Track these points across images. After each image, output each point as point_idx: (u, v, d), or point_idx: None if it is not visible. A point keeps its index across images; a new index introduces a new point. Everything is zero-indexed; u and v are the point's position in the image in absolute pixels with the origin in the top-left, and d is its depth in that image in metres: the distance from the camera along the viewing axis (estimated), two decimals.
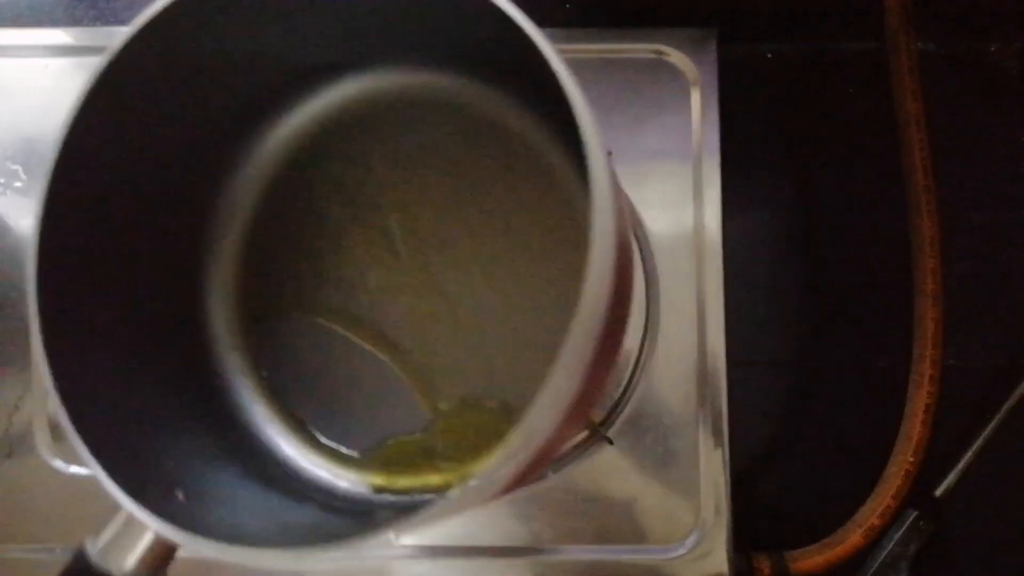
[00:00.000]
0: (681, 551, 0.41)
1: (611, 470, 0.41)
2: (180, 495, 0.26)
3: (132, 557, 0.25)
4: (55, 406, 0.25)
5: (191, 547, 0.23)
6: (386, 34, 0.33)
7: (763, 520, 0.44)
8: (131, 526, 0.25)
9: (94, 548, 0.25)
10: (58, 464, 0.42)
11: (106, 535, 0.25)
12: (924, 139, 0.44)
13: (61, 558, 0.40)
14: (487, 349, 0.35)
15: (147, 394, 0.31)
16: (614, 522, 0.41)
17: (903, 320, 0.44)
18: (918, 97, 0.44)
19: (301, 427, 0.35)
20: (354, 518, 0.33)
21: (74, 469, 0.42)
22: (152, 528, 0.23)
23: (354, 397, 0.36)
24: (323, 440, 0.35)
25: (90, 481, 0.39)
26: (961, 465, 0.44)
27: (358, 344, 0.36)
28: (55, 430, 0.42)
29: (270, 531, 0.28)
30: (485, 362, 0.35)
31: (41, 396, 0.42)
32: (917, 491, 0.42)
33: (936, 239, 0.43)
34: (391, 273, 0.36)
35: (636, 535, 0.41)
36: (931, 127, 0.44)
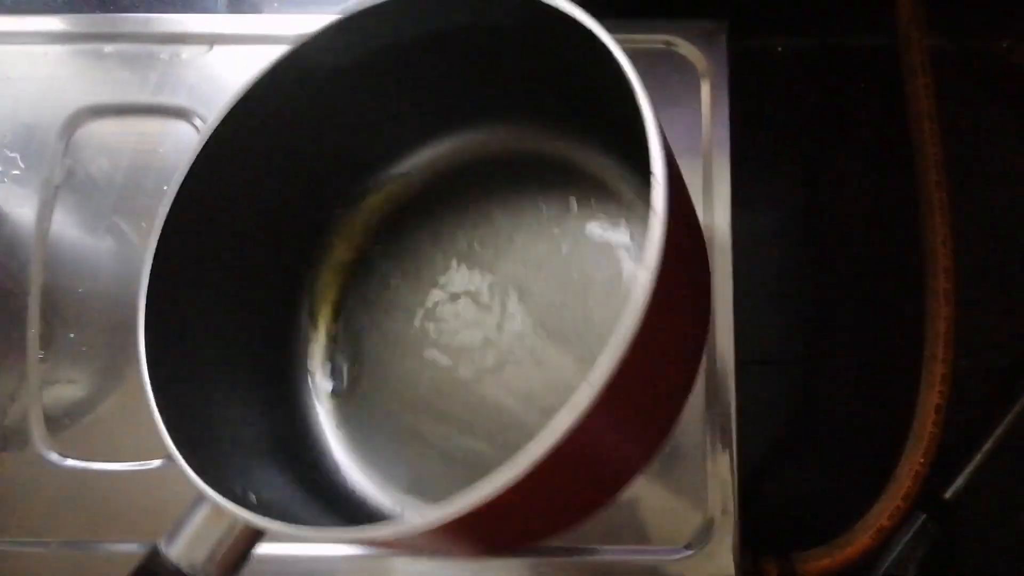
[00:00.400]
0: (687, 552, 0.40)
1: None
2: (253, 498, 0.27)
3: (209, 554, 0.26)
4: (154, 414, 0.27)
5: (276, 533, 0.24)
6: (489, 95, 0.35)
7: (771, 521, 0.43)
8: (207, 525, 0.26)
9: (168, 547, 0.26)
10: (53, 457, 0.42)
11: (181, 534, 0.26)
12: (937, 135, 0.43)
13: (56, 552, 0.40)
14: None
15: (234, 409, 0.33)
16: (619, 522, 0.40)
17: (914, 319, 0.43)
18: (930, 93, 0.44)
19: (374, 468, 0.37)
20: None
21: (69, 462, 0.41)
22: (240, 519, 0.24)
23: (430, 448, 0.36)
24: (389, 487, 0.36)
25: (85, 475, 0.40)
26: (971, 467, 0.43)
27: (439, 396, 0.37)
28: (50, 422, 0.42)
29: None
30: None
31: (36, 388, 0.42)
32: (926, 493, 0.41)
33: (949, 237, 0.42)
34: (478, 328, 0.37)
35: (641, 535, 0.40)
36: (943, 124, 0.44)
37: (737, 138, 0.43)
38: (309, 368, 0.39)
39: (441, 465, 0.36)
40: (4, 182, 0.44)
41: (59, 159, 0.44)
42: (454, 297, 0.38)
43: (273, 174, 0.34)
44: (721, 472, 0.41)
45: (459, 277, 0.38)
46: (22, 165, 0.44)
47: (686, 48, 0.44)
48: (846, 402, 0.46)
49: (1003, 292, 0.46)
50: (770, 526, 0.43)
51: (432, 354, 0.38)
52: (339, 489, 0.36)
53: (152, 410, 0.27)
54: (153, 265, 0.29)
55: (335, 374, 0.39)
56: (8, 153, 0.44)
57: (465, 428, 0.36)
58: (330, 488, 0.36)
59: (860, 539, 0.41)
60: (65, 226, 0.44)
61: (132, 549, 0.41)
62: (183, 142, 0.44)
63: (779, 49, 0.49)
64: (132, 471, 0.41)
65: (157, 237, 0.29)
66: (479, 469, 0.31)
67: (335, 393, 0.39)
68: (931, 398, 0.41)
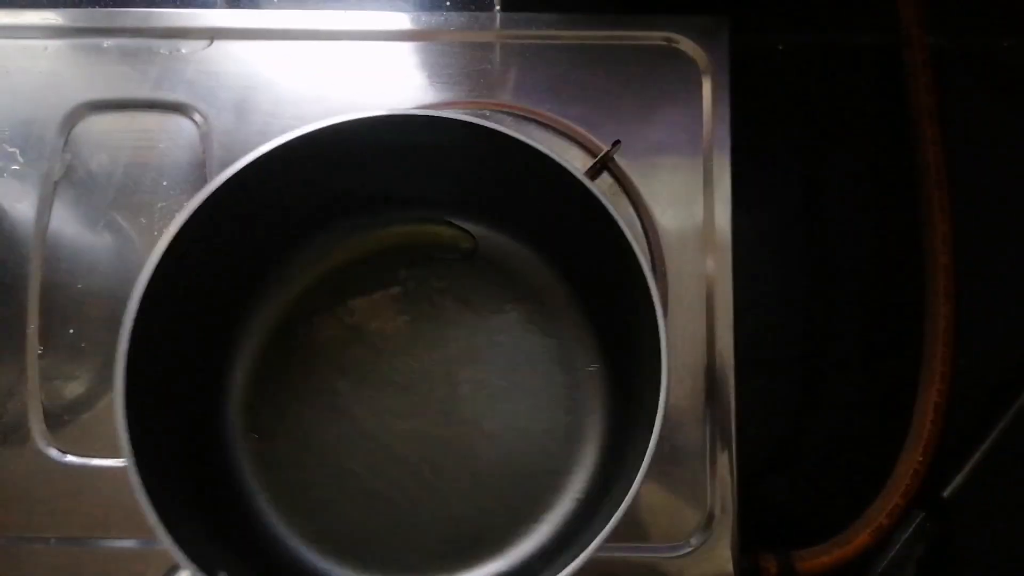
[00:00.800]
0: (686, 550, 0.40)
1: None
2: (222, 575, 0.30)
3: None
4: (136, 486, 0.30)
5: None
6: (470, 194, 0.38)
7: (770, 519, 0.43)
8: None
9: None
10: (53, 453, 0.41)
11: None
12: (938, 134, 0.43)
13: (55, 548, 0.40)
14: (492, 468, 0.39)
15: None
16: (621, 520, 0.40)
17: (914, 317, 0.43)
18: (932, 91, 0.44)
19: (317, 539, 0.39)
20: None
21: (69, 458, 0.41)
22: None
23: (365, 515, 0.39)
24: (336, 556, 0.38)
25: (85, 471, 0.40)
26: (969, 466, 0.43)
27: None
28: (50, 418, 0.42)
29: None
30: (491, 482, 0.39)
31: (36, 384, 0.42)
32: (924, 492, 0.41)
33: (949, 236, 0.42)
34: (404, 399, 0.40)
35: (641, 533, 0.40)
36: (944, 122, 0.44)
37: (738, 136, 0.43)
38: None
39: (359, 513, 0.39)
40: (3, 177, 0.44)
41: (58, 154, 0.44)
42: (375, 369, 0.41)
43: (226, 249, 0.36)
44: (720, 470, 0.41)
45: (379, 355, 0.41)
46: (21, 160, 0.44)
47: (687, 45, 0.44)
48: (845, 400, 0.46)
49: (1002, 291, 0.46)
50: (769, 524, 0.43)
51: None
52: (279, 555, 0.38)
53: (139, 491, 0.30)
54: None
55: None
56: (7, 148, 0.44)
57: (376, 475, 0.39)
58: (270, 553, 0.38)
59: (859, 537, 0.41)
60: (64, 221, 0.43)
61: (131, 546, 0.41)
62: (182, 137, 0.44)
63: (780, 47, 0.48)
64: None
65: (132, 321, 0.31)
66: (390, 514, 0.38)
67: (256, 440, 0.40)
68: (930, 396, 0.41)
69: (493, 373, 0.40)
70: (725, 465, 0.41)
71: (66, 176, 0.44)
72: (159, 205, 0.43)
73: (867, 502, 0.42)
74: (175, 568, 0.30)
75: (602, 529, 0.29)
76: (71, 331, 0.42)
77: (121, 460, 0.40)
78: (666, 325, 0.31)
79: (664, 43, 0.44)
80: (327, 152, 0.34)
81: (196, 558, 0.29)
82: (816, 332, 0.46)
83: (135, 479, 0.30)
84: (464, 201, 0.40)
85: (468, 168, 0.37)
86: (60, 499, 0.41)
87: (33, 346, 0.42)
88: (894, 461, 0.42)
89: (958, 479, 0.43)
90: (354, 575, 0.38)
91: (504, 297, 0.41)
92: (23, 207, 0.43)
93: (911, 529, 0.42)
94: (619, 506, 0.30)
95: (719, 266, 0.42)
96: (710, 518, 0.40)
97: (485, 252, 0.41)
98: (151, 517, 0.29)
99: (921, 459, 0.41)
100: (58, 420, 0.42)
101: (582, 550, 0.30)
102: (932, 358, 0.42)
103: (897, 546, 0.42)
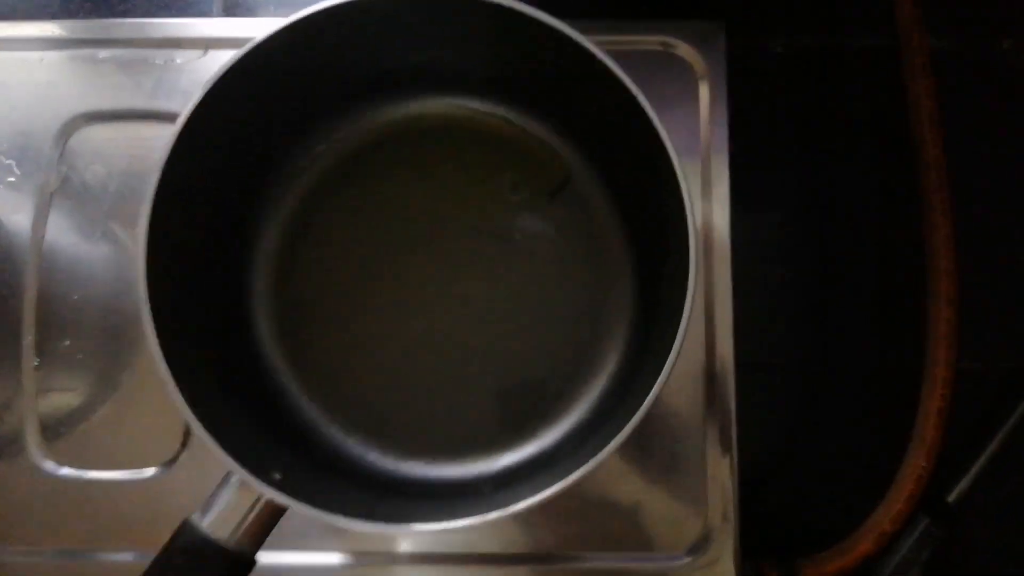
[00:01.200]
0: (687, 559, 0.40)
1: (615, 475, 0.40)
2: (277, 476, 0.30)
3: (237, 526, 0.29)
4: (181, 407, 0.29)
5: (298, 511, 0.28)
6: (485, 68, 0.37)
7: (772, 527, 0.43)
8: (236, 500, 0.29)
9: (201, 520, 0.29)
10: (49, 466, 0.41)
11: (213, 508, 0.29)
12: (938, 137, 0.43)
13: (51, 561, 0.40)
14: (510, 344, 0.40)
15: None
16: (618, 528, 0.40)
17: (916, 322, 0.43)
18: (932, 95, 0.43)
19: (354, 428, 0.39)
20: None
21: (65, 471, 0.41)
22: (264, 497, 0.28)
23: (395, 395, 0.40)
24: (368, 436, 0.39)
25: (81, 483, 0.40)
26: (974, 470, 0.43)
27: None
28: (46, 431, 0.41)
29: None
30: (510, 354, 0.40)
31: (32, 396, 0.42)
32: (928, 497, 0.41)
33: (951, 239, 0.42)
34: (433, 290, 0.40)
35: (641, 542, 0.40)
36: (944, 125, 0.43)
37: (735, 140, 0.43)
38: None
39: (394, 397, 0.39)
40: None
41: (54, 165, 0.44)
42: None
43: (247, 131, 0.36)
44: (721, 477, 0.40)
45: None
46: (17, 172, 0.44)
47: (684, 49, 0.44)
48: (847, 405, 0.45)
49: (1005, 294, 0.46)
50: (771, 532, 0.42)
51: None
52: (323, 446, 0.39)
53: (174, 393, 0.29)
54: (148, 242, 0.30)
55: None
56: (3, 160, 0.44)
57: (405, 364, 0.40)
58: (320, 448, 0.38)
59: (862, 544, 0.40)
60: (60, 232, 0.43)
61: (128, 559, 0.41)
62: None
63: (778, 50, 0.48)
64: (128, 480, 0.41)
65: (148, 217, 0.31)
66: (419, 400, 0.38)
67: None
68: (934, 401, 0.41)
69: (522, 265, 0.40)
70: (726, 472, 0.40)
71: (62, 187, 0.44)
72: None
73: (871, 508, 0.41)
74: (227, 475, 0.30)
75: (629, 420, 0.29)
76: (67, 343, 0.42)
77: (117, 472, 0.41)
78: (695, 217, 0.31)
79: (661, 48, 0.44)
80: (353, 28, 0.33)
81: (248, 463, 0.29)
82: (817, 336, 0.46)
83: (176, 394, 0.29)
84: (490, 81, 0.39)
85: (496, 51, 0.36)
86: (56, 512, 0.41)
87: (29, 358, 0.42)
88: (897, 466, 0.41)
89: (963, 484, 0.43)
90: (391, 459, 0.39)
91: (538, 190, 0.40)
92: (19, 218, 0.43)
93: (916, 535, 0.41)
94: (649, 392, 0.29)
95: (718, 271, 0.42)
96: (711, 526, 0.40)
97: (521, 143, 0.41)
98: (198, 429, 0.29)
99: (925, 464, 0.40)
100: (54, 432, 0.41)
101: (612, 434, 0.29)
102: (935, 363, 0.41)
103: (902, 551, 0.41)
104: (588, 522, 0.40)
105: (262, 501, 0.29)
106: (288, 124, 0.39)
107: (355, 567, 0.41)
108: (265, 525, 0.30)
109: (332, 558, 0.40)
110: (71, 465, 0.41)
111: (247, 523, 0.29)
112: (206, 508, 0.29)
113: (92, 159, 0.44)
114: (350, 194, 0.40)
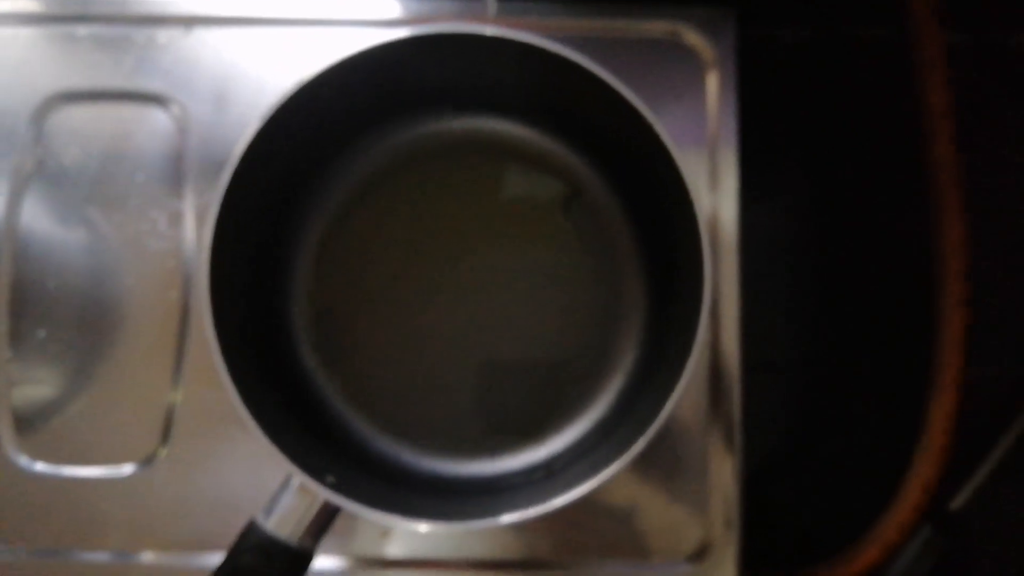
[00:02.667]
0: (688, 567, 0.39)
1: (614, 479, 0.39)
2: (331, 479, 0.32)
3: (298, 526, 0.32)
4: (246, 418, 0.31)
5: (354, 511, 0.31)
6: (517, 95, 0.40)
7: (776, 534, 0.42)
8: (297, 501, 0.32)
9: (265, 521, 0.32)
10: (22, 461, 0.40)
11: (276, 509, 0.32)
12: (952, 133, 0.42)
13: (25, 560, 0.39)
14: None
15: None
16: (616, 535, 0.39)
17: (925, 324, 0.42)
18: (946, 88, 0.42)
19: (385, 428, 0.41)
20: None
21: (39, 466, 0.40)
22: (320, 498, 0.32)
23: (426, 397, 0.42)
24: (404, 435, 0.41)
25: (56, 479, 0.39)
26: (979, 478, 0.42)
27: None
28: (19, 425, 0.40)
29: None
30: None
31: (5, 389, 0.40)
32: (932, 504, 0.40)
33: (964, 239, 0.41)
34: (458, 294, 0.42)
35: (639, 549, 0.39)
36: (957, 120, 0.42)
37: (744, 131, 0.42)
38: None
39: (426, 399, 0.42)
40: None
41: (30, 147, 0.42)
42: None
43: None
44: (724, 482, 0.40)
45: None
46: None
47: (692, 37, 0.43)
48: (854, 410, 0.45)
49: (1016, 297, 0.45)
50: (774, 539, 0.42)
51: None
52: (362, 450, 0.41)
53: (240, 406, 0.31)
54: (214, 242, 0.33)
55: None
56: None
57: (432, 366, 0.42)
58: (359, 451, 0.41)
59: (867, 553, 0.40)
60: (36, 218, 0.42)
61: (105, 559, 0.40)
62: (158, 129, 0.42)
63: (788, 39, 0.47)
64: (104, 477, 0.40)
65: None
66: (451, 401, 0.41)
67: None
68: (942, 406, 0.40)
69: (540, 270, 0.42)
70: (729, 477, 0.40)
71: (38, 170, 0.42)
72: (134, 200, 0.42)
73: (877, 515, 0.41)
74: (288, 479, 0.32)
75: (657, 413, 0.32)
76: (42, 334, 0.41)
77: (93, 468, 0.40)
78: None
79: (669, 36, 0.43)
80: (396, 61, 0.36)
81: (306, 466, 0.31)
82: (824, 338, 0.45)
83: (237, 398, 0.31)
84: (511, 103, 0.42)
85: (519, 80, 0.38)
86: (30, 509, 0.40)
87: (2, 349, 0.40)
88: (903, 473, 0.41)
89: (967, 491, 0.42)
90: (425, 459, 0.41)
91: (553, 201, 0.42)
92: None
93: (919, 543, 0.41)
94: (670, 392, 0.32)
95: (725, 267, 0.41)
96: (712, 533, 0.39)
97: (538, 158, 0.43)
98: (258, 433, 0.31)
99: (932, 472, 0.40)
100: (29, 426, 0.40)
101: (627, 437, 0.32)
102: (945, 367, 0.40)
103: (905, 560, 0.41)
104: (583, 527, 0.40)
105: (319, 502, 0.32)
106: (323, 147, 0.41)
107: (347, 574, 0.40)
108: (323, 525, 0.33)
109: (327, 563, 0.40)
110: (46, 460, 0.40)
111: (307, 523, 0.32)
112: (269, 510, 0.32)
113: (69, 141, 0.42)
114: (378, 209, 0.42)
